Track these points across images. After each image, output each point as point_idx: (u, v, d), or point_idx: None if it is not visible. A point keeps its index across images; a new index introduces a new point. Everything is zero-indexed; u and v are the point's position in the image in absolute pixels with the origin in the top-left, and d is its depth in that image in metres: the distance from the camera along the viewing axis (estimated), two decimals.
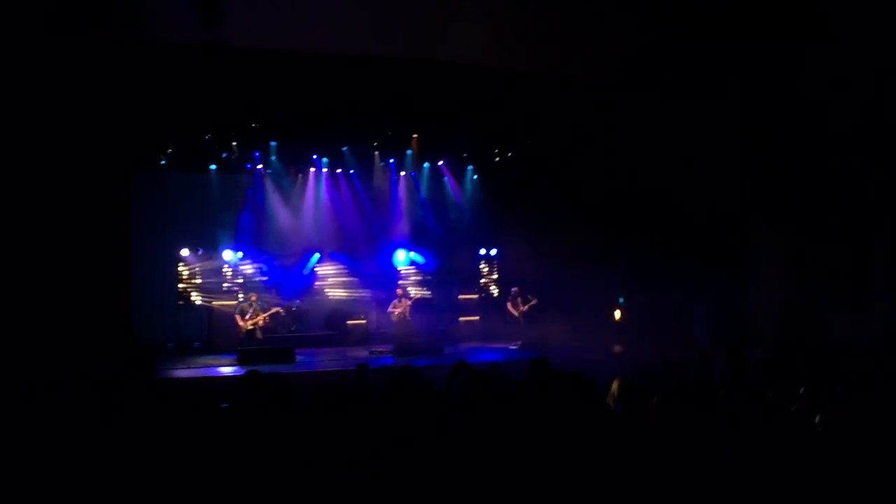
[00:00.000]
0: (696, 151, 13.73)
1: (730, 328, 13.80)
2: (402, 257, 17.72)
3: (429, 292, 17.43)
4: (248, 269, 16.63)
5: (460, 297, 17.96)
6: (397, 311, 14.85)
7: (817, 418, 3.98)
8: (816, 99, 12.84)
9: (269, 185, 17.03)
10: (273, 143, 16.16)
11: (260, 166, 16.69)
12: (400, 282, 15.99)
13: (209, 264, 16.22)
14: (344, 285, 17.52)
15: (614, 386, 4.93)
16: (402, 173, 18.21)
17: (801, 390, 4.51)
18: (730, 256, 14.57)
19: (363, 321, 16.46)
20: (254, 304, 14.10)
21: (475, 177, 18.81)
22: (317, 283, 17.50)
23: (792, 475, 3.65)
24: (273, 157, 16.48)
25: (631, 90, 13.94)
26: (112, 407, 5.90)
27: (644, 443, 4.05)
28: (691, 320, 14.66)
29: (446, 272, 18.15)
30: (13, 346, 9.80)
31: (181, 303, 16.04)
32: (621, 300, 16.00)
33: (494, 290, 18.94)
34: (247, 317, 13.86)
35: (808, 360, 6.90)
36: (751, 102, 14.15)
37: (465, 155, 17.96)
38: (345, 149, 16.91)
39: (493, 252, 19.07)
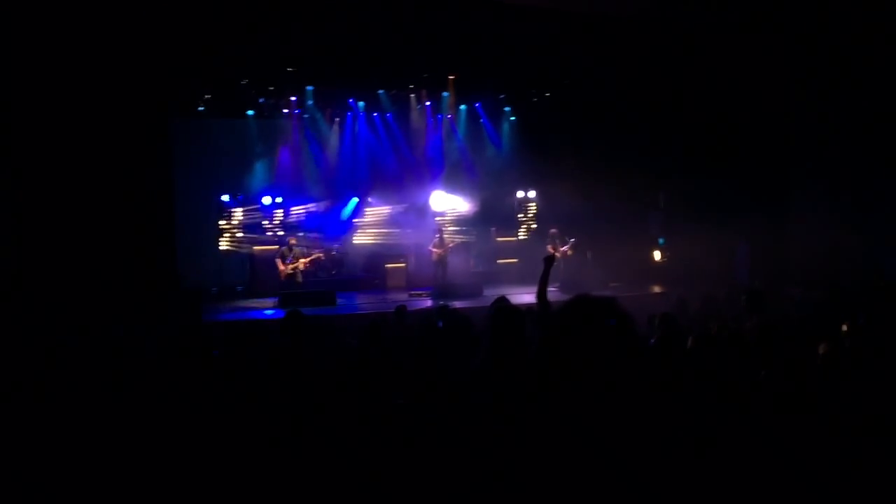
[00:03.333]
0: (738, 90, 13.36)
1: (773, 268, 13.60)
2: (439, 200, 17.69)
3: (467, 235, 17.43)
4: (287, 214, 16.78)
5: (498, 239, 17.94)
6: (436, 250, 14.88)
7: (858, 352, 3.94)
8: (861, 32, 12.36)
9: (306, 130, 17.08)
10: (309, 88, 16.14)
11: (297, 111, 16.73)
12: (438, 222, 16.00)
13: (249, 209, 16.40)
14: (382, 229, 17.61)
15: (656, 320, 4.95)
16: (439, 116, 18.09)
17: (844, 328, 4.45)
18: (773, 196, 14.26)
19: (402, 264, 16.58)
20: (294, 248, 14.23)
21: (512, 118, 18.61)
22: (356, 227, 17.63)
23: (821, 413, 3.63)
24: (310, 102, 16.48)
25: (671, 26, 13.53)
26: (159, 350, 6.08)
27: (675, 378, 4.05)
28: (733, 261, 14.47)
29: (484, 215, 18.11)
30: (64, 292, 10.08)
31: (223, 248, 16.29)
32: (661, 241, 15.84)
33: (532, 233, 18.84)
34: (287, 261, 14.01)
35: (852, 298, 6.78)
36: (793, 38, 13.67)
37: (501, 96, 17.73)
38: (381, 92, 16.83)
39: (532, 194, 18.94)
